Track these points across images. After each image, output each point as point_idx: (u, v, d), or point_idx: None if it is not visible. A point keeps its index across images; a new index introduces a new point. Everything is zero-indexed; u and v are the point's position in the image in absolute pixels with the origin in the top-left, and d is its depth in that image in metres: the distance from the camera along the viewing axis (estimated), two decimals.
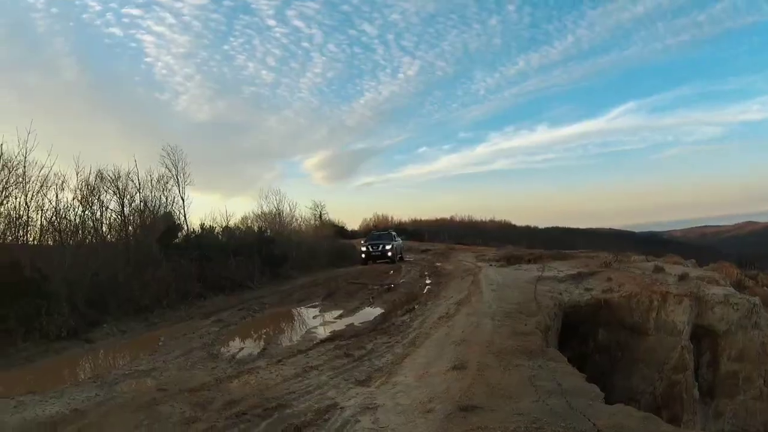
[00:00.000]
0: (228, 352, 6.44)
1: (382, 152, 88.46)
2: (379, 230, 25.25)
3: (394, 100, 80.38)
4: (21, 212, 9.46)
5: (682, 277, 7.83)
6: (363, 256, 19.00)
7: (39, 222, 10.00)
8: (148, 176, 13.27)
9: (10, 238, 9.41)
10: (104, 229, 11.23)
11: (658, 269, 8.84)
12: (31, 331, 6.19)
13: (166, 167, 13.84)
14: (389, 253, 18.78)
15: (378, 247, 19.03)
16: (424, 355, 4.97)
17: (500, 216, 43.57)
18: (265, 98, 69.70)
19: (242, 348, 6.66)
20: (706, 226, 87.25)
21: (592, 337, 7.28)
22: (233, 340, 7.31)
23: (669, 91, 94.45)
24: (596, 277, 8.50)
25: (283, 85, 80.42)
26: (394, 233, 21.48)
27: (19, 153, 9.14)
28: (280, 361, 5.41)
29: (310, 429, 3.69)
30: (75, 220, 10.67)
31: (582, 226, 46.09)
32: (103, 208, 11.34)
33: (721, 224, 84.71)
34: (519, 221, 43.78)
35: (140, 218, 12.06)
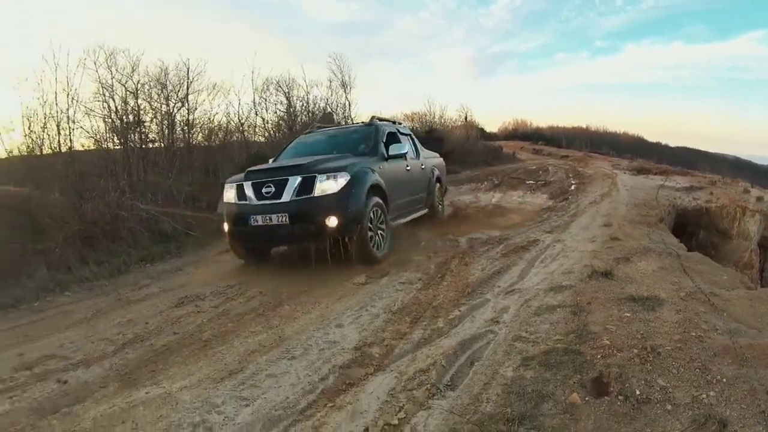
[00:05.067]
0: None
1: (520, 56, 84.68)
2: (334, 126, 8.54)
3: (532, 3, 75.98)
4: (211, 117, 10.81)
5: (759, 199, 10.15)
6: (225, 227, 5.74)
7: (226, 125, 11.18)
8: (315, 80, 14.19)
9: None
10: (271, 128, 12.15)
11: (746, 191, 11.12)
12: None
13: (332, 72, 14.89)
14: (332, 219, 5.12)
15: (275, 191, 5.33)
16: (583, 221, 7.62)
17: (633, 129, 43.26)
18: None
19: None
20: None
21: (695, 237, 9.60)
22: None
23: None
24: (703, 191, 10.95)
25: None
26: (401, 130, 7.62)
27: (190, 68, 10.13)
28: (487, 220, 8.35)
29: (530, 247, 6.03)
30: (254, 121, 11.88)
31: (709, 149, 43.74)
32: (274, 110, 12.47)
33: None
34: (650, 136, 43.01)
35: (308, 117, 13.01)
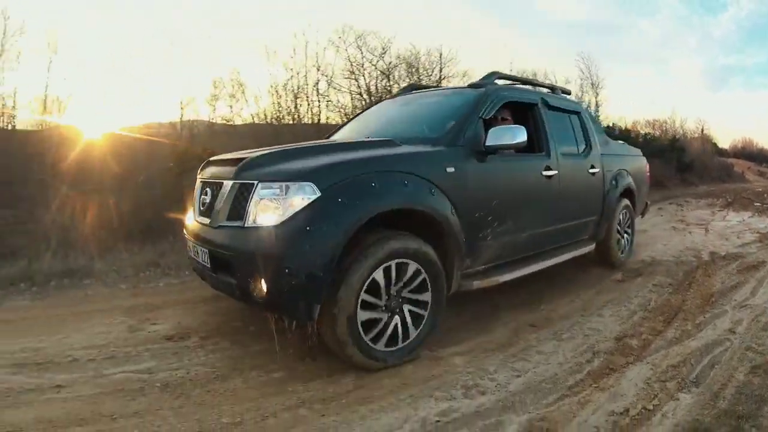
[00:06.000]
0: (683, 227, 9.32)
1: (747, 71, 75.52)
2: (433, 89, 4.94)
3: (753, 18, 68.03)
4: None
5: None
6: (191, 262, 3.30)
7: None
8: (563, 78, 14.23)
9: None
10: None
11: None
12: None
13: (581, 70, 15.72)
14: (260, 283, 2.45)
15: (210, 203, 2.99)
16: None
17: None
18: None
19: (688, 228, 9.24)
20: None
21: None
22: (681, 223, 9.91)
23: None
24: None
25: None
26: (552, 102, 4.35)
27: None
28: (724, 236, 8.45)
29: (759, 266, 6.00)
30: None
31: None
32: None
33: None
34: None
35: None
